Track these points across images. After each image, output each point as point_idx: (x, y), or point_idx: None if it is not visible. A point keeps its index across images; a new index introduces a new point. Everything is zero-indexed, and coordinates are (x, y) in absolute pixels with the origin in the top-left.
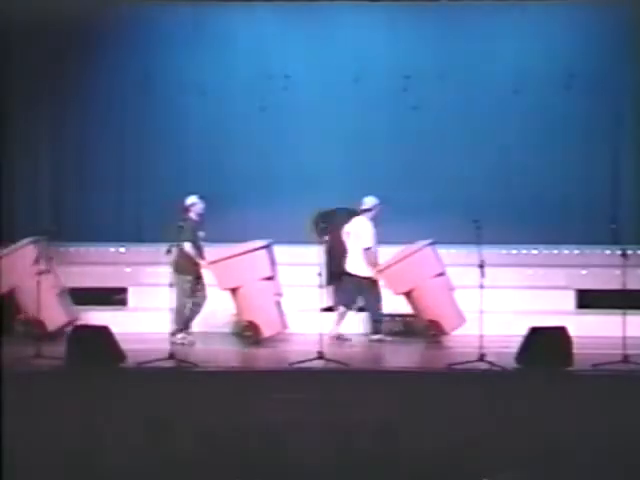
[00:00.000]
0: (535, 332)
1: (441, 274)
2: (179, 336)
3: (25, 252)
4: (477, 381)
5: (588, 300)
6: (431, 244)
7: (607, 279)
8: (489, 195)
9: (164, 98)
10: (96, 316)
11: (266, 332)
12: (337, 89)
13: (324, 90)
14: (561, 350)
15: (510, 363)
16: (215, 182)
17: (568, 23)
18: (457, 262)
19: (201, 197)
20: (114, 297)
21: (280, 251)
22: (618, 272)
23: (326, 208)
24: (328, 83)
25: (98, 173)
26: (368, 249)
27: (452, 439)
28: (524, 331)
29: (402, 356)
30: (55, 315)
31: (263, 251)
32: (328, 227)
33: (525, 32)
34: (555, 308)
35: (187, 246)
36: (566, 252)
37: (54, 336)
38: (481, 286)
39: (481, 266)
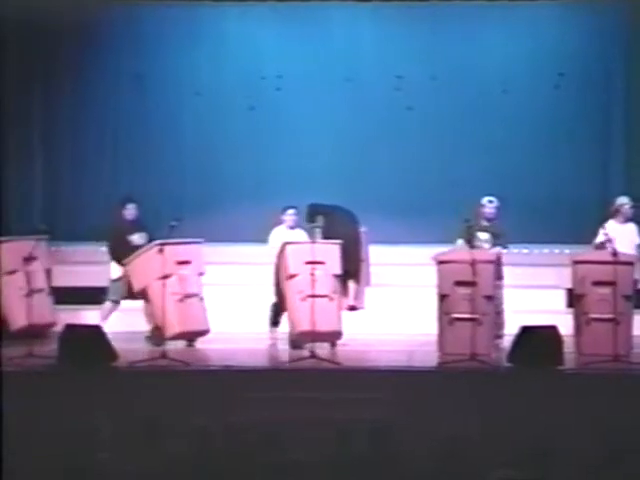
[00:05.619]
0: (526, 331)
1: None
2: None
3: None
4: (468, 380)
5: None
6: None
7: None
8: (479, 194)
9: (158, 98)
10: (88, 315)
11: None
12: (329, 89)
13: (317, 90)
14: (552, 349)
15: (501, 362)
16: (209, 181)
17: (558, 22)
18: None
19: (490, 201)
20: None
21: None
22: None
23: (321, 203)
24: (321, 83)
25: (92, 171)
26: None
27: (443, 438)
28: (515, 330)
29: None
30: None
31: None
32: (323, 226)
33: (515, 31)
34: (545, 307)
35: (459, 243)
36: (556, 251)
37: None
38: None
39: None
